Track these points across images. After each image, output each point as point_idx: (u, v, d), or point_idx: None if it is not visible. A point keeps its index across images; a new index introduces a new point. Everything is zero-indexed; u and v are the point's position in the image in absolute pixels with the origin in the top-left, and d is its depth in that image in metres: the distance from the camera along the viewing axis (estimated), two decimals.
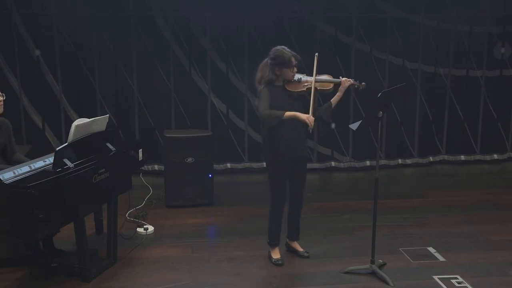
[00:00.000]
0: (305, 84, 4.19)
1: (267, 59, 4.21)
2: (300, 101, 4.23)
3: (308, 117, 4.04)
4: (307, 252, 4.57)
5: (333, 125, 6.90)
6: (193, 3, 6.54)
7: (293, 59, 4.14)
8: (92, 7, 6.35)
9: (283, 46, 4.20)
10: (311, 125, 4.04)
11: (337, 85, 4.23)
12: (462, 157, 7.40)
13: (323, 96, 4.25)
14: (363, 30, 6.87)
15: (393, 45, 6.97)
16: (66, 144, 3.95)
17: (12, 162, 4.28)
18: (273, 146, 4.26)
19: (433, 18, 6.97)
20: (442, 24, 7.00)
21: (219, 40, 6.69)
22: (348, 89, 4.32)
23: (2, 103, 4.24)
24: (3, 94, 4.28)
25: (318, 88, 4.18)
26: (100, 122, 4.31)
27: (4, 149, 4.29)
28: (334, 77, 4.29)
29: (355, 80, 4.26)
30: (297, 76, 4.20)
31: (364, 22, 6.87)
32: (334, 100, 4.26)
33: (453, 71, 7.18)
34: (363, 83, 4.23)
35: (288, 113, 4.06)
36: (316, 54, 4.21)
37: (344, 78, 4.23)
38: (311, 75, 4.19)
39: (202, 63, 6.72)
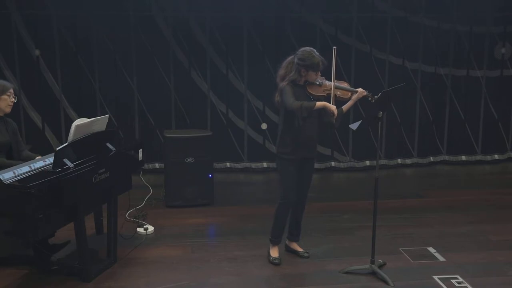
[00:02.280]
0: (325, 89, 4.20)
1: (292, 56, 4.20)
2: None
3: (335, 109, 4.07)
4: (307, 252, 4.57)
5: None
6: (193, 3, 6.55)
7: (321, 64, 4.15)
8: (92, 7, 6.35)
9: (311, 48, 4.18)
10: (335, 115, 4.05)
11: (353, 94, 4.25)
12: (463, 157, 7.40)
13: (337, 102, 4.28)
14: (363, 30, 6.87)
15: (393, 45, 6.98)
16: (66, 144, 3.95)
17: (22, 159, 4.30)
18: (287, 144, 4.26)
19: (433, 18, 6.97)
20: (442, 24, 7.00)
21: (218, 40, 6.69)
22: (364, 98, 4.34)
23: (12, 104, 4.28)
24: (16, 96, 4.31)
25: (337, 95, 4.19)
26: (100, 122, 4.32)
27: (9, 148, 4.30)
28: (351, 86, 4.32)
29: (368, 92, 4.26)
30: (318, 80, 4.22)
31: (364, 22, 6.87)
32: (345, 107, 4.28)
33: (453, 71, 7.18)
34: (375, 96, 4.22)
35: (319, 103, 4.06)
36: (334, 47, 4.16)
37: (360, 89, 4.24)
38: (330, 80, 4.19)
39: (202, 63, 6.73)
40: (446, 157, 7.39)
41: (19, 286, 4.04)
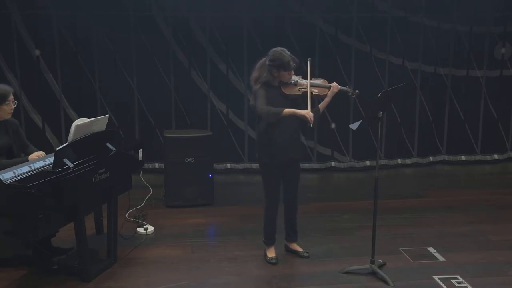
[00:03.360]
0: (300, 87, 4.19)
1: (264, 58, 4.21)
2: (295, 103, 4.21)
3: (307, 113, 4.05)
4: (307, 252, 4.57)
5: (333, 125, 6.91)
6: (193, 3, 6.54)
7: (291, 62, 4.13)
8: (92, 7, 6.35)
9: (282, 48, 4.19)
10: (311, 120, 4.04)
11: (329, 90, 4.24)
12: (463, 157, 7.40)
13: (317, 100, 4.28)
14: (363, 30, 6.87)
15: (393, 45, 6.97)
16: (66, 144, 3.96)
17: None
18: (265, 148, 4.27)
19: (433, 18, 6.97)
20: (442, 24, 7.00)
21: (218, 40, 6.69)
22: (345, 94, 4.34)
23: (12, 110, 4.26)
24: (16, 102, 4.29)
25: (314, 93, 4.18)
26: (100, 122, 4.32)
27: (10, 149, 4.29)
28: (329, 82, 4.29)
29: (349, 87, 4.27)
30: (293, 79, 4.21)
31: (364, 22, 6.87)
32: (321, 105, 4.24)
33: (453, 71, 7.18)
34: (356, 91, 4.24)
35: (287, 110, 4.06)
36: (309, 59, 4.21)
37: (334, 84, 4.23)
38: (306, 78, 4.20)
39: (202, 63, 6.73)
40: (446, 157, 7.39)
41: (19, 286, 4.05)
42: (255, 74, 4.24)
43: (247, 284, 4.13)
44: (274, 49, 4.19)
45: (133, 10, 6.50)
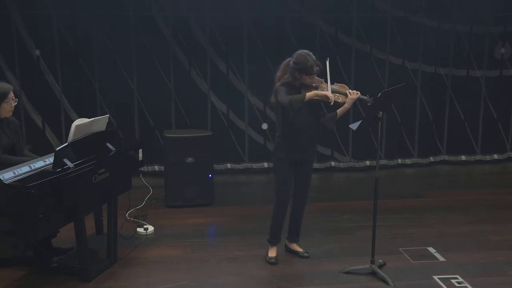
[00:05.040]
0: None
1: (289, 59, 4.19)
2: (311, 107, 4.19)
3: (328, 93, 3.99)
4: (307, 252, 4.57)
5: None
6: (193, 3, 6.55)
7: (315, 68, 4.10)
8: (92, 7, 6.35)
9: (307, 52, 4.14)
10: (331, 99, 3.97)
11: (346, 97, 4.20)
12: (463, 157, 7.40)
13: (335, 105, 4.24)
14: (363, 30, 6.87)
15: (393, 45, 6.98)
16: (66, 144, 3.96)
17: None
18: (283, 143, 4.26)
19: (433, 18, 6.97)
20: (442, 24, 7.01)
21: (219, 40, 6.69)
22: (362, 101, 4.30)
23: (13, 108, 4.26)
24: (16, 100, 4.29)
25: (334, 99, 4.10)
26: (100, 122, 4.32)
27: (12, 148, 4.29)
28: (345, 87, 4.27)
29: (370, 97, 4.17)
30: (315, 83, 4.17)
31: (364, 22, 6.87)
32: (340, 111, 4.23)
33: (453, 71, 7.18)
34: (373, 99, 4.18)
35: (309, 93, 4.00)
36: (328, 59, 4.14)
37: (353, 91, 4.18)
38: (327, 82, 4.14)
39: (202, 63, 6.73)
40: (446, 157, 7.39)
41: (19, 286, 4.05)
42: (278, 73, 4.24)
43: (247, 284, 4.13)
44: (299, 51, 4.15)
45: (133, 10, 6.50)
